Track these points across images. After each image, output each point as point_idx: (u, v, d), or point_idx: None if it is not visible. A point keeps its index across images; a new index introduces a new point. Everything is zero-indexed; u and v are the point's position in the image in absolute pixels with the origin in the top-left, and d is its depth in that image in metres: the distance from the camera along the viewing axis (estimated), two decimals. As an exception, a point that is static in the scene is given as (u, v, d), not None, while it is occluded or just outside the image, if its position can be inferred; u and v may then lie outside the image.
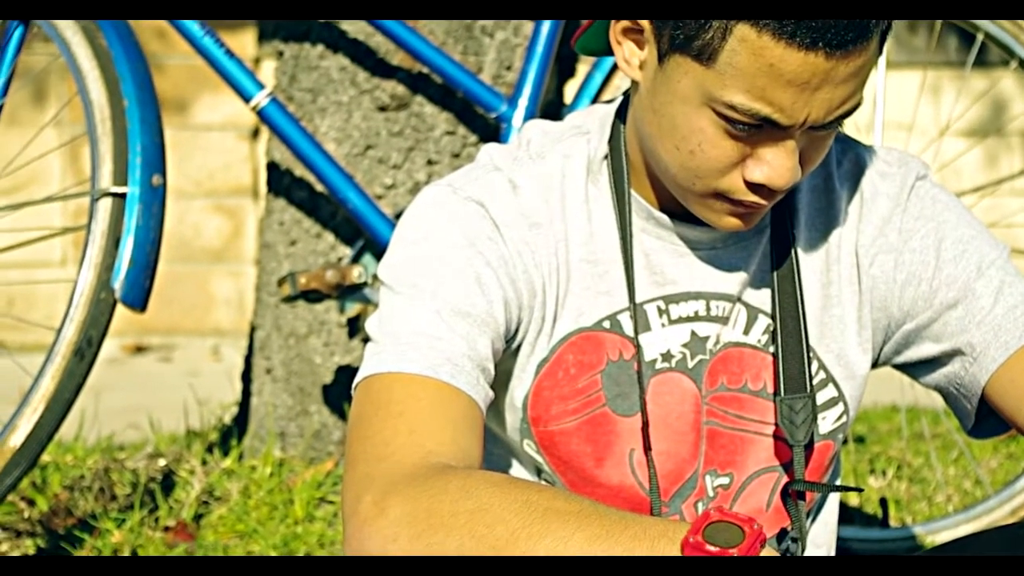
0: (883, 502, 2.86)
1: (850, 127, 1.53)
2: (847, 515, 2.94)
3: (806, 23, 1.36)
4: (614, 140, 1.60)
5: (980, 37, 2.67)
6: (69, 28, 2.40)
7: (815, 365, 1.63)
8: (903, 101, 3.56)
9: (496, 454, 1.68)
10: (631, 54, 1.51)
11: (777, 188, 1.45)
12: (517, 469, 1.66)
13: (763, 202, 1.48)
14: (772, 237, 1.61)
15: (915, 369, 1.67)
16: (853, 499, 3.08)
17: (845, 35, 1.37)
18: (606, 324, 1.59)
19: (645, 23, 1.47)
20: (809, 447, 1.63)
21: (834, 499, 1.75)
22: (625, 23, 1.50)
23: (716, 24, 1.39)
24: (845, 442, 1.79)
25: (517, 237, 1.56)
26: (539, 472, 1.64)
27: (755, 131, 1.43)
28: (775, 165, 1.44)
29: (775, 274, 1.61)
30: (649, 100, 1.49)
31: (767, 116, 1.41)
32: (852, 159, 1.65)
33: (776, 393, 1.60)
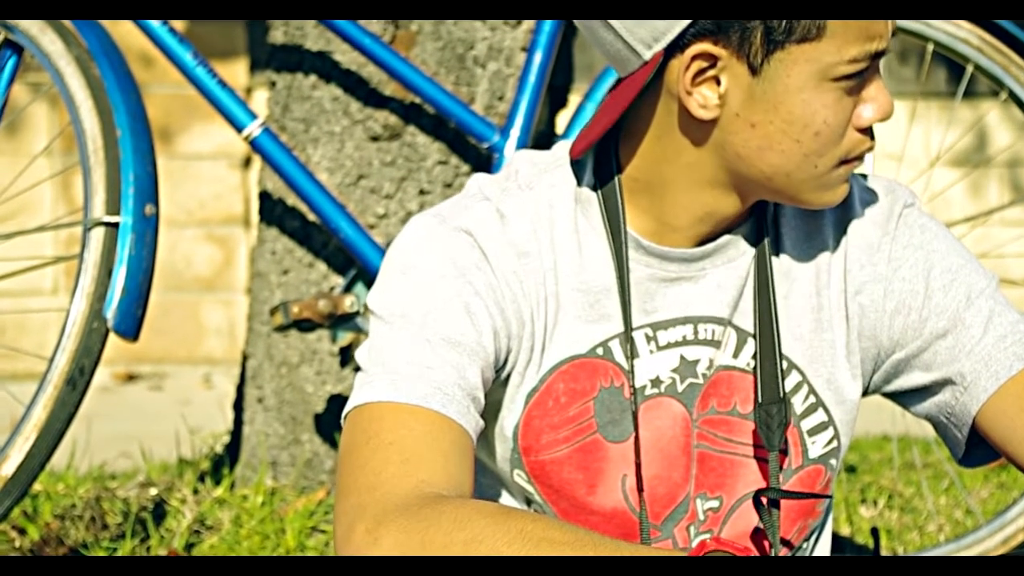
0: (874, 532, 2.84)
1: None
2: (838, 545, 2.93)
3: None
4: (604, 169, 1.60)
5: (970, 68, 2.68)
6: (63, 58, 2.41)
7: (805, 390, 1.63)
8: (892, 131, 3.57)
9: (485, 484, 1.67)
10: (708, 98, 1.50)
11: (886, 118, 1.52)
12: (506, 499, 1.66)
13: (872, 144, 1.54)
14: (758, 259, 1.62)
15: (905, 398, 1.68)
16: (844, 529, 3.08)
17: None
18: (599, 351, 1.59)
19: (721, 51, 1.47)
20: (799, 471, 1.63)
21: (827, 531, 1.75)
22: (696, 66, 1.48)
23: None
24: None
25: (506, 267, 1.56)
26: (529, 502, 1.64)
27: (862, 76, 1.50)
28: (881, 98, 1.52)
29: (757, 294, 1.61)
30: (746, 118, 1.50)
31: (879, 49, 1.49)
32: (839, 186, 1.66)
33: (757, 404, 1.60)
